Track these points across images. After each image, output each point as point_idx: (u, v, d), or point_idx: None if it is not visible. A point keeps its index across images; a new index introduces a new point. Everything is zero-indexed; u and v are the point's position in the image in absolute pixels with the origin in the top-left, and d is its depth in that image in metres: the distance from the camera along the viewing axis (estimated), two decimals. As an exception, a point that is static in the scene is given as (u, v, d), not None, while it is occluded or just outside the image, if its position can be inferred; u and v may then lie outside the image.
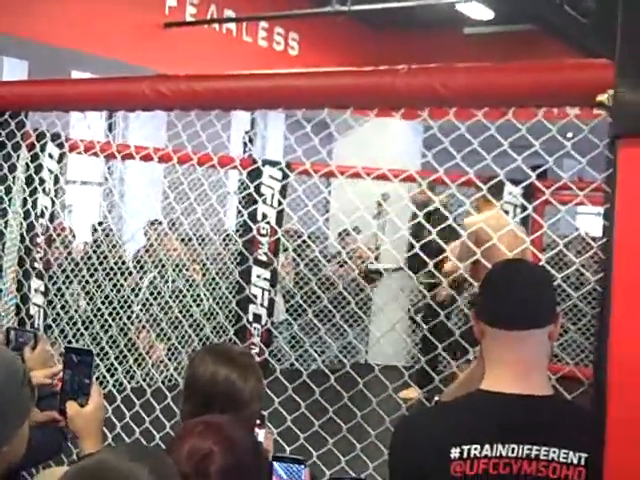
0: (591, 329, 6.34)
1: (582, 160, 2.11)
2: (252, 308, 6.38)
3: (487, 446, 1.66)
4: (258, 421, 2.13)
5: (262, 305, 6.53)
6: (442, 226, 2.59)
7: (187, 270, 6.92)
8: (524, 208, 6.06)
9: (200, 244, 6.54)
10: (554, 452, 1.63)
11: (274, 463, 1.89)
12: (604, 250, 1.86)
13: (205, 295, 6.68)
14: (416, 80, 2.04)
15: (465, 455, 1.67)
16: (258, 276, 6.39)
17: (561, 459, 1.63)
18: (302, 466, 1.88)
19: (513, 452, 1.65)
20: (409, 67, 2.06)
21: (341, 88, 2.09)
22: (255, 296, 6.38)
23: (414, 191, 6.44)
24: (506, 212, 6.79)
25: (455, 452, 1.68)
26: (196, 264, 6.97)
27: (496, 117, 2.21)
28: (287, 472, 1.88)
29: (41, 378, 2.23)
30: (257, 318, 6.46)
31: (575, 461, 1.62)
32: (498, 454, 1.65)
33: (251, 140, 7.60)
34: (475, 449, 1.66)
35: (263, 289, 6.51)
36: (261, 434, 2.13)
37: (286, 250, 7.52)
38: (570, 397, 2.18)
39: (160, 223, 6.75)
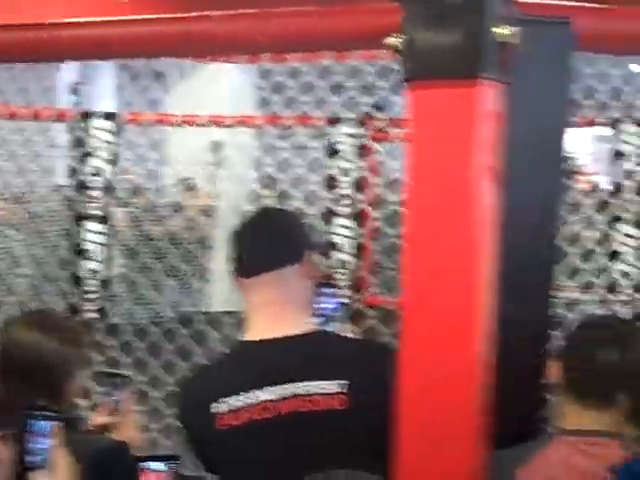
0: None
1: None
2: (87, 264, 6.22)
3: (247, 394, 1.68)
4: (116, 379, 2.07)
5: (97, 260, 6.38)
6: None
7: (17, 230, 6.63)
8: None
9: (30, 201, 6.26)
10: (314, 385, 1.66)
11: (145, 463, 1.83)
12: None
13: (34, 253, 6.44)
14: (233, 26, 2.01)
15: (227, 408, 1.68)
16: (93, 231, 6.22)
17: (320, 390, 1.66)
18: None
19: (273, 394, 1.67)
20: (225, 13, 2.04)
21: (153, 36, 2.03)
22: (90, 251, 6.22)
23: None
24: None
25: (218, 406, 1.69)
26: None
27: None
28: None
29: None
30: (93, 273, 6.30)
31: (335, 389, 1.65)
32: (259, 400, 1.67)
33: (79, 90, 7.29)
34: (237, 400, 1.68)
35: (98, 244, 6.34)
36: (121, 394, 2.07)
37: (124, 203, 7.33)
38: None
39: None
